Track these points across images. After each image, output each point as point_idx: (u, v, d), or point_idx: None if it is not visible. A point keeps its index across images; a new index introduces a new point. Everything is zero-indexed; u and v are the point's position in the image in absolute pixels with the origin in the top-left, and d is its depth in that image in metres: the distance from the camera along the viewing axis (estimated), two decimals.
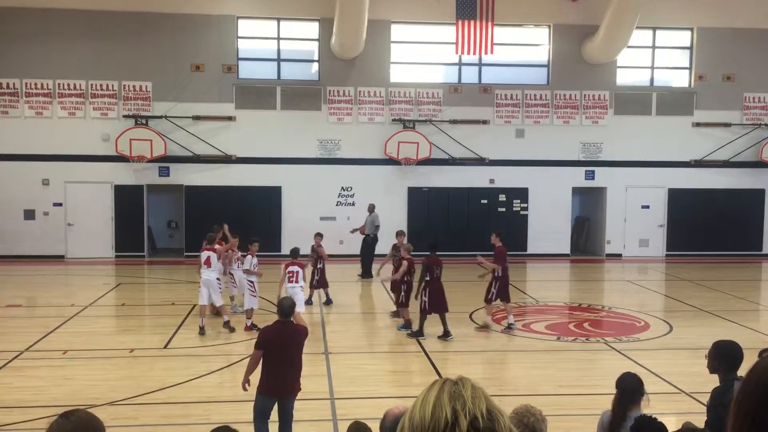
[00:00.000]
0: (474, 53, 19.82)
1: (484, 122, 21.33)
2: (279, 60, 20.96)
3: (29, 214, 20.06)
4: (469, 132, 21.21)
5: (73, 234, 20.26)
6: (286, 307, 7.18)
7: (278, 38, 20.92)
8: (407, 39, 21.28)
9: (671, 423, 4.51)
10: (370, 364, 11.35)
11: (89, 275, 18.20)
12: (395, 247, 14.13)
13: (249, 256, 12.46)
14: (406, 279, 12.44)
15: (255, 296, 12.44)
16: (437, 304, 11.70)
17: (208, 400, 8.68)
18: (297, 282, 12.13)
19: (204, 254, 12.46)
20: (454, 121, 21.10)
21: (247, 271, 12.49)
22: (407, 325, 12.33)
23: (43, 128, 19.93)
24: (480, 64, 21.49)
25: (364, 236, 17.96)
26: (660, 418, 4.45)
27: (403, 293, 12.48)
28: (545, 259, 21.36)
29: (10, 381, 9.60)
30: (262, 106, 20.57)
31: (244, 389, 7.12)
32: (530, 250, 21.58)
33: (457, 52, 19.91)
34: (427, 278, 11.66)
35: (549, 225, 21.51)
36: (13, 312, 13.89)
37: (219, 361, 10.55)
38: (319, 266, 14.33)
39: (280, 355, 6.94)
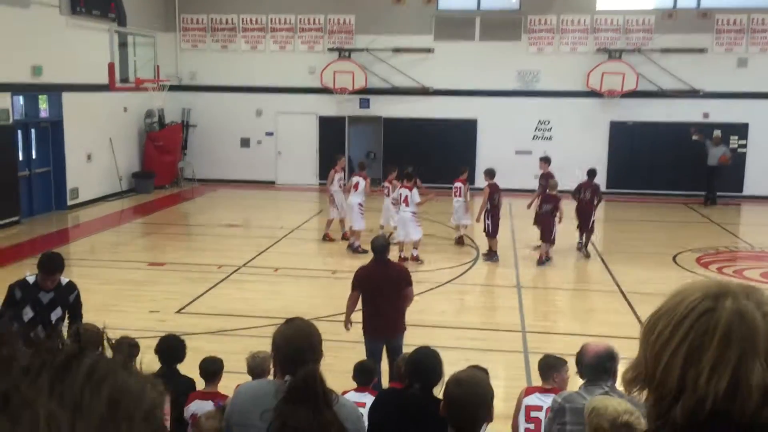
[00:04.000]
0: None
1: (701, 51, 19.51)
2: None
3: (245, 142, 21.79)
4: (682, 61, 19.55)
5: (282, 162, 21.75)
6: (376, 246, 6.91)
7: None
8: None
9: None
10: (560, 299, 11.22)
11: (296, 200, 19.53)
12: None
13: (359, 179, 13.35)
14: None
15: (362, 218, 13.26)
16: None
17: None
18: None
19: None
20: (665, 50, 19.53)
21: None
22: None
23: (257, 61, 21.32)
24: None
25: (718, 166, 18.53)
26: None
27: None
28: (765, 201, 19.44)
29: (230, 292, 10.72)
30: (460, 38, 20.37)
31: (347, 329, 7.05)
32: (747, 191, 19.75)
33: None
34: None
35: None
36: (232, 231, 15.34)
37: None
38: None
39: (377, 295, 6.79)
